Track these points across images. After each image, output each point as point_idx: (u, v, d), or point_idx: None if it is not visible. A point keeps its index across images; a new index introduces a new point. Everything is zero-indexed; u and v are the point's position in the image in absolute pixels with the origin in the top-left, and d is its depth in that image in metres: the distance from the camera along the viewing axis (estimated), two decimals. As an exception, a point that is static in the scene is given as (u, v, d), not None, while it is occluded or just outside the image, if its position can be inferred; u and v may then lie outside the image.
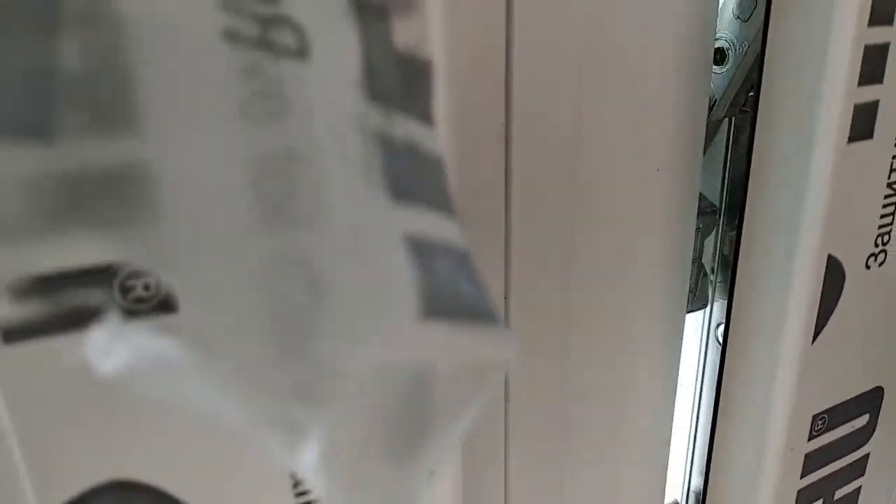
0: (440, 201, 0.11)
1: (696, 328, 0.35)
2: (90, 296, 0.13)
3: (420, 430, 0.10)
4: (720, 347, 0.31)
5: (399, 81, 0.12)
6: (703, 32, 0.23)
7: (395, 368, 0.09)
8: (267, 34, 0.09)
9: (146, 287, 0.13)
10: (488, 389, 0.10)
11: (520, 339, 0.24)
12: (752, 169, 0.26)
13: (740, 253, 0.27)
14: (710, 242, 0.34)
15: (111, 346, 0.08)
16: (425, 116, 0.12)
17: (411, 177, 0.10)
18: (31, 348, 0.13)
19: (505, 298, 0.23)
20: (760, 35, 0.25)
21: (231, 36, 0.09)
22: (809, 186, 0.24)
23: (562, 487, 0.26)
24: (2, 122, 0.07)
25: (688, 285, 0.30)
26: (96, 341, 0.08)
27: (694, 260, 0.32)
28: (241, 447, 0.16)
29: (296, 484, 0.16)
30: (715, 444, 0.30)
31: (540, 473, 0.26)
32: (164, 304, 0.13)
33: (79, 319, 0.13)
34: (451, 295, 0.09)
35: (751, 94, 0.28)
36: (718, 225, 0.32)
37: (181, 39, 0.09)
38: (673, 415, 0.30)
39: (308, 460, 0.08)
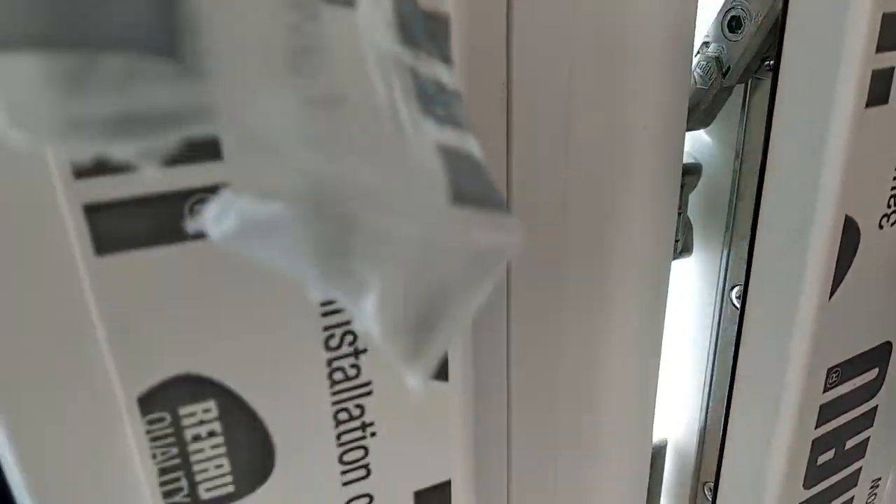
0: (463, 123, 0.13)
1: (711, 291, 0.35)
2: (167, 215, 0.16)
3: (443, 300, 0.12)
4: (735, 309, 0.32)
5: (423, 30, 0.14)
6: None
7: (430, 243, 0.12)
8: (325, -14, 0.12)
9: (212, 208, 0.16)
10: (496, 272, 0.13)
11: (516, 282, 0.27)
12: (771, 132, 0.27)
13: (760, 214, 0.28)
14: (718, 201, 0.36)
15: (223, 214, 0.10)
16: (446, 58, 0.14)
17: (439, 103, 0.13)
18: (119, 258, 0.16)
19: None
20: (777, 4, 0.26)
21: (299, -11, 0.12)
22: (828, 149, 0.25)
23: (556, 419, 0.29)
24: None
25: (673, 235, 0.33)
26: (211, 211, 0.10)
27: (679, 212, 0.35)
28: (295, 353, 0.18)
29: (333, 384, 0.19)
30: (733, 399, 0.31)
31: (534, 408, 0.29)
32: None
33: (158, 235, 0.16)
34: (473, 188, 0.12)
35: (765, 60, 0.29)
36: (735, 186, 0.32)
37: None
38: (660, 355, 0.33)
39: (368, 309, 0.11)
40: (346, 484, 0.21)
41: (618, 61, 0.26)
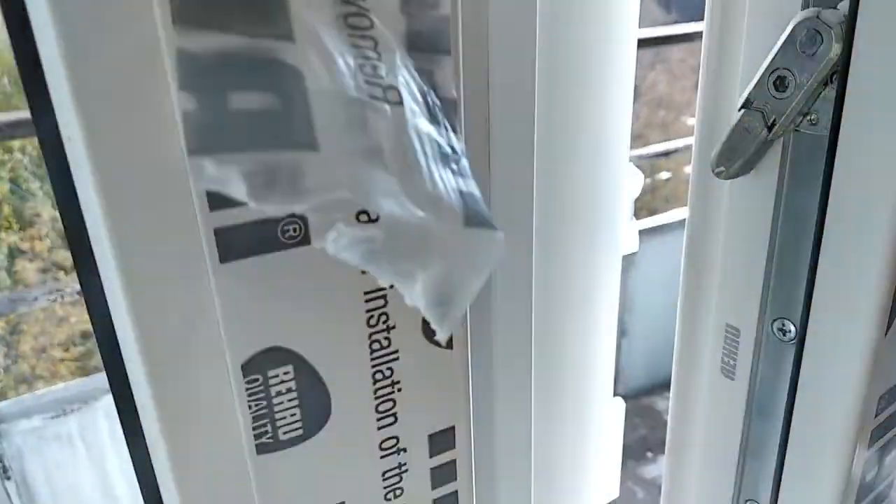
0: (468, 174, 0.21)
1: (751, 322, 0.37)
2: (266, 234, 0.23)
3: (459, 285, 0.20)
4: (778, 341, 0.35)
5: (441, 110, 0.22)
6: (625, 28, 0.33)
7: (452, 251, 0.19)
8: (386, 94, 0.19)
9: (295, 230, 0.23)
10: (490, 268, 0.20)
11: (500, 278, 0.34)
12: (832, 187, 0.30)
13: (819, 261, 0.31)
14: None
15: (339, 238, 0.18)
16: (454, 129, 0.22)
17: (453, 161, 0.21)
18: (235, 264, 0.23)
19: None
20: (824, 67, 0.29)
21: (373, 97, 0.19)
22: (889, 202, 0.27)
23: (529, 382, 0.37)
24: (290, 140, 0.17)
25: (620, 232, 0.41)
26: (331, 235, 0.18)
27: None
28: (347, 329, 0.26)
29: (372, 352, 0.27)
30: (792, 428, 0.35)
31: (512, 373, 0.36)
32: (305, 239, 0.23)
33: (260, 248, 0.23)
34: (477, 216, 0.20)
35: (806, 115, 0.31)
36: (775, 229, 0.34)
37: (349, 103, 0.19)
38: (615, 326, 0.41)
39: (416, 292, 0.19)
40: (380, 428, 0.28)
41: (571, 98, 0.33)
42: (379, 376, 0.27)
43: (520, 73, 0.30)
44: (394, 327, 0.27)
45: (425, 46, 0.22)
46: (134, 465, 0.26)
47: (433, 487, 0.31)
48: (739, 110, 0.32)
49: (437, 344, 0.28)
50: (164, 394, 0.24)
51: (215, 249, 0.22)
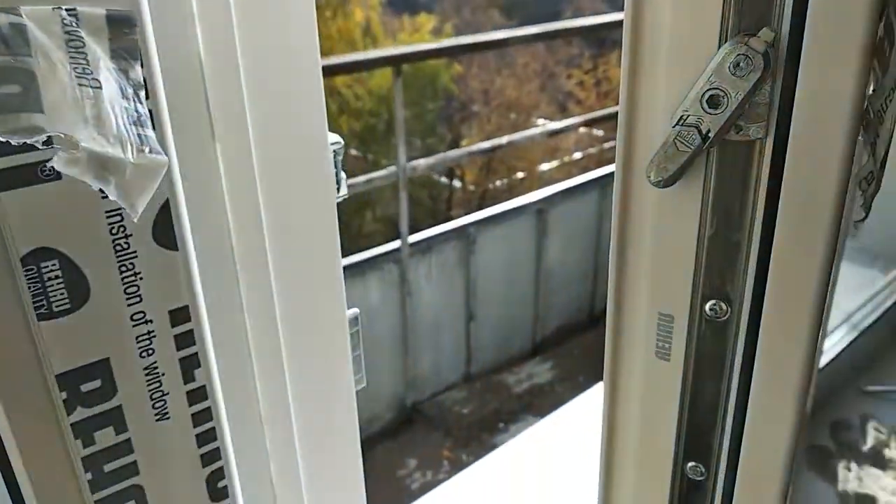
0: (148, 125, 0.37)
1: (684, 309, 0.41)
2: (29, 173, 0.37)
3: (137, 190, 0.36)
4: (713, 321, 0.41)
5: (131, 89, 0.37)
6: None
7: (135, 168, 0.35)
8: (91, 83, 0.35)
9: (49, 170, 0.38)
10: (160, 176, 0.37)
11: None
12: (785, 180, 0.36)
13: (775, 241, 0.37)
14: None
15: (60, 160, 0.33)
16: (141, 101, 0.38)
17: (139, 120, 0.37)
18: (11, 192, 0.37)
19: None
20: (752, 86, 0.34)
21: (81, 85, 0.34)
22: (832, 190, 0.34)
23: (268, 277, 0.53)
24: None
25: (335, 198, 0.58)
26: (56, 159, 0.33)
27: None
28: (95, 233, 0.40)
29: (116, 252, 0.41)
30: (752, 395, 0.41)
31: (253, 267, 0.52)
32: (58, 177, 0.38)
33: (26, 182, 0.37)
34: (152, 148, 0.36)
35: (736, 130, 0.36)
36: (701, 231, 0.39)
37: (65, 88, 0.34)
38: (340, 265, 0.58)
39: (113, 191, 0.34)
40: (129, 305, 0.43)
41: (284, 126, 0.50)
42: (124, 269, 0.42)
43: (228, 86, 0.46)
44: (130, 235, 0.42)
45: (123, 55, 0.37)
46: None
47: (178, 349, 0.46)
48: (674, 126, 0.36)
49: (165, 246, 0.43)
50: (-33, 280, 0.37)
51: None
